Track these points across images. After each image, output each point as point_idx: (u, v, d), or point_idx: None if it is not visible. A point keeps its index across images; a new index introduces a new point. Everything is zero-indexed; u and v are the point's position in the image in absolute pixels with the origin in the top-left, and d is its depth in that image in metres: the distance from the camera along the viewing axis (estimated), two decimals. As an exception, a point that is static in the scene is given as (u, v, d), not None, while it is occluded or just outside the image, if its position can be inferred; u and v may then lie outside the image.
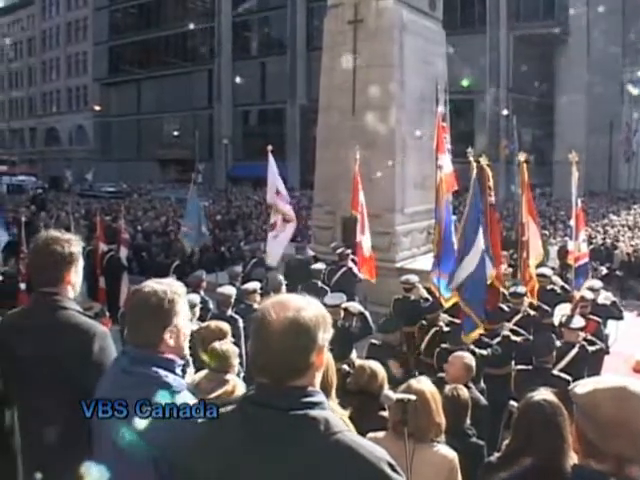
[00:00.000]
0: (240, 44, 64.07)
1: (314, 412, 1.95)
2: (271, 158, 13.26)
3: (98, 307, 11.45)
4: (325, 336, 2.03)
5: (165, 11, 69.89)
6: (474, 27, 47.57)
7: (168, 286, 2.59)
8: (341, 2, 15.51)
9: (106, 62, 75.54)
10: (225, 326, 5.68)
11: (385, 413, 4.59)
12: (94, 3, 76.59)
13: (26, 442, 3.20)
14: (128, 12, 73.95)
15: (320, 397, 2.02)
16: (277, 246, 12.84)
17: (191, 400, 2.53)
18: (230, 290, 9.18)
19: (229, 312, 8.69)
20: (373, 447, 1.96)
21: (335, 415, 2.02)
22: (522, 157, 10.53)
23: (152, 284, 2.57)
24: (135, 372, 2.51)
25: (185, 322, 2.64)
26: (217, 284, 11.42)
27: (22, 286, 10.79)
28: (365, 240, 11.75)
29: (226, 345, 5.05)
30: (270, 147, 13.52)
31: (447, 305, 9.43)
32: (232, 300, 9.00)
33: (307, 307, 2.02)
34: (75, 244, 3.23)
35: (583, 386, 2.16)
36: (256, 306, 9.23)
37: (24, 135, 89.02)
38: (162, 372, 2.50)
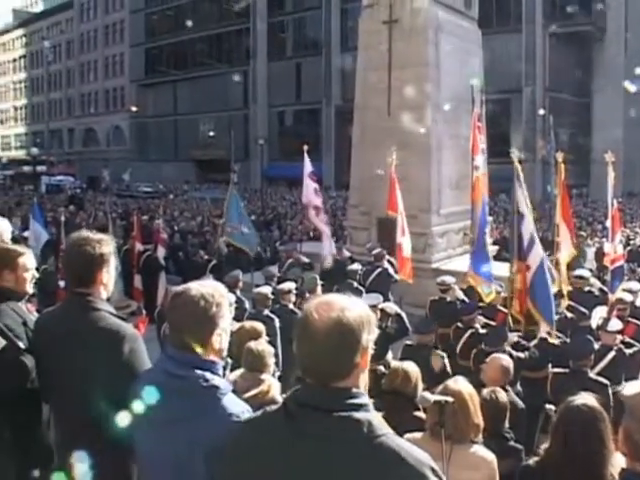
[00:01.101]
0: (275, 45, 64.32)
1: (358, 414, 1.94)
2: (307, 158, 13.30)
3: (135, 305, 11.54)
4: (369, 337, 2.00)
5: (201, 13, 70.35)
6: (509, 25, 47.12)
7: (214, 289, 2.58)
8: (376, 2, 15.51)
9: (142, 63, 76.40)
10: (260, 326, 5.72)
11: (419, 414, 4.58)
12: (130, 6, 77.58)
13: (58, 439, 3.26)
14: (164, 14, 74.65)
15: (364, 399, 1.99)
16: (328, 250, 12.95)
17: (237, 402, 2.55)
18: (266, 290, 9.24)
19: (265, 312, 8.72)
20: (416, 451, 1.95)
21: (380, 418, 2.00)
22: (560, 157, 10.39)
23: (198, 287, 2.56)
24: (181, 375, 2.50)
25: (228, 324, 2.64)
26: (253, 284, 11.48)
27: (61, 284, 10.92)
28: (405, 241, 11.74)
29: (261, 345, 5.08)
30: (306, 147, 13.56)
31: (488, 300, 9.46)
32: (269, 300, 9.04)
33: (351, 307, 2.00)
34: (106, 244, 3.23)
35: (631, 387, 2.14)
36: (291, 306, 9.30)
37: (62, 136, 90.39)
38: (208, 375, 2.50)
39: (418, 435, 3.83)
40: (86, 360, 2.98)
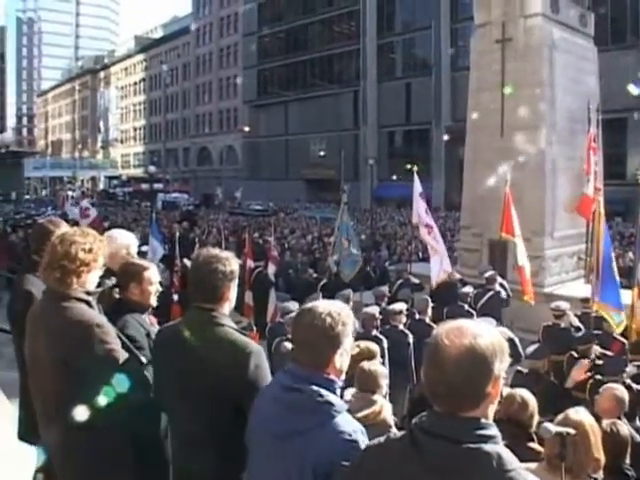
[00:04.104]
0: (385, 65, 64.58)
1: (487, 446, 1.87)
2: (416, 178, 13.24)
3: (246, 322, 11.76)
4: (502, 366, 1.94)
5: (311, 35, 71.63)
6: (626, 42, 45.54)
7: (341, 308, 2.58)
8: (489, 21, 15.33)
9: (255, 85, 78.32)
10: (374, 346, 5.70)
11: (534, 445, 4.43)
12: (244, 30, 79.94)
13: (175, 451, 3.31)
14: (276, 37, 76.42)
15: (494, 430, 1.93)
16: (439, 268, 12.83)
17: (350, 421, 2.53)
18: (374, 310, 9.22)
19: (374, 332, 8.70)
20: None
21: (509, 451, 1.93)
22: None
23: (326, 305, 2.58)
24: (297, 390, 2.51)
25: (350, 345, 2.63)
26: (362, 303, 11.49)
27: (175, 297, 11.25)
28: (527, 262, 11.55)
29: (374, 365, 5.06)
30: (415, 167, 13.52)
31: (618, 330, 9.11)
32: (376, 320, 9.03)
33: (484, 334, 1.95)
34: (234, 262, 3.29)
35: None
36: (401, 327, 9.26)
37: (178, 154, 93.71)
38: (324, 392, 2.48)
39: (533, 466, 3.70)
40: (210, 374, 3.01)
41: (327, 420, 2.45)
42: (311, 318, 2.52)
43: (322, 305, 2.57)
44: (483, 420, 1.93)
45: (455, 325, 1.98)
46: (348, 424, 2.48)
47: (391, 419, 4.69)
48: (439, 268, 12.69)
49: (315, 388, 2.48)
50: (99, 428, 3.17)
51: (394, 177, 56.22)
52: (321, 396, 2.47)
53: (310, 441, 2.42)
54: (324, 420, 2.45)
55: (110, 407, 3.15)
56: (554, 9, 15.11)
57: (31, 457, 4.06)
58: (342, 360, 2.58)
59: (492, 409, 1.99)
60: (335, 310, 2.54)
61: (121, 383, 3.19)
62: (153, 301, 3.81)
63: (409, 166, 13.63)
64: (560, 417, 3.84)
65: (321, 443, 2.41)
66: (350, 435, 2.42)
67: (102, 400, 3.13)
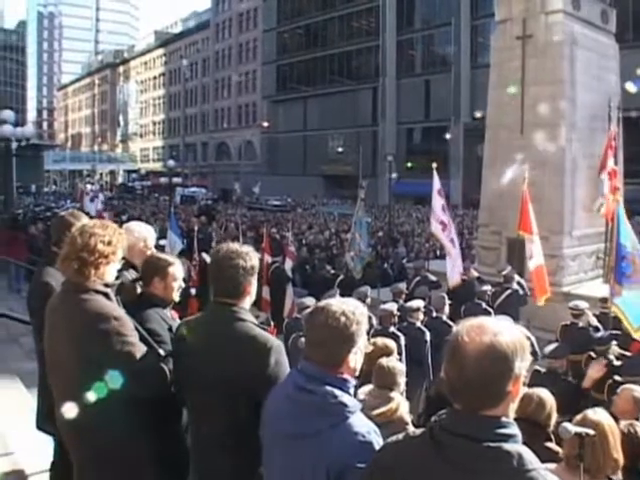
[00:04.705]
0: (404, 62, 64.44)
1: (508, 445, 1.85)
2: (436, 175, 13.20)
3: (263, 317, 11.78)
4: (522, 364, 1.90)
5: (330, 31, 71.55)
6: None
7: (355, 307, 2.55)
8: (509, 18, 15.24)
9: (274, 80, 78.42)
10: (391, 343, 5.68)
11: (551, 445, 4.40)
12: (263, 25, 79.99)
13: (194, 444, 3.32)
14: (295, 33, 76.49)
15: (514, 429, 1.91)
16: (452, 269, 12.77)
17: (364, 421, 2.51)
18: (392, 307, 9.22)
19: (391, 329, 8.70)
20: None
21: (529, 450, 1.90)
22: None
23: (340, 303, 2.55)
24: (310, 390, 2.49)
25: (364, 343, 2.61)
26: (379, 300, 11.48)
27: (192, 291, 11.29)
28: (543, 261, 11.50)
29: (393, 362, 5.04)
30: (435, 164, 13.47)
31: (636, 336, 8.97)
32: (394, 317, 9.03)
33: (505, 332, 1.90)
34: (254, 257, 3.32)
35: None
36: (418, 324, 9.25)
37: (197, 149, 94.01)
38: (337, 392, 2.46)
39: (552, 466, 3.68)
40: (230, 369, 3.03)
41: (341, 421, 2.43)
42: (325, 317, 2.49)
43: (336, 304, 2.54)
44: (504, 419, 1.91)
45: (476, 322, 1.95)
46: (362, 425, 2.47)
47: (408, 416, 4.68)
48: (454, 269, 12.65)
49: (329, 389, 2.46)
50: (114, 418, 3.18)
51: (412, 174, 56.04)
52: (335, 397, 2.45)
53: (324, 442, 2.41)
54: (338, 421, 2.43)
55: (126, 398, 3.17)
56: (575, 5, 14.99)
57: (50, 446, 4.11)
58: (356, 359, 2.56)
59: (513, 408, 1.96)
60: (350, 309, 2.51)
61: (135, 376, 3.20)
62: (176, 296, 3.82)
63: (433, 164, 13.49)
64: (579, 417, 3.81)
65: (335, 444, 2.40)
66: (364, 436, 2.40)
67: (115, 392, 3.14)
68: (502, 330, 1.91)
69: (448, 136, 55.02)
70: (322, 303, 2.62)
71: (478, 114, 46.36)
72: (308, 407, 2.48)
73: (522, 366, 1.90)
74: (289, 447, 2.51)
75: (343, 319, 2.47)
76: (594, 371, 7.30)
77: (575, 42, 14.64)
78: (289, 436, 2.51)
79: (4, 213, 22.20)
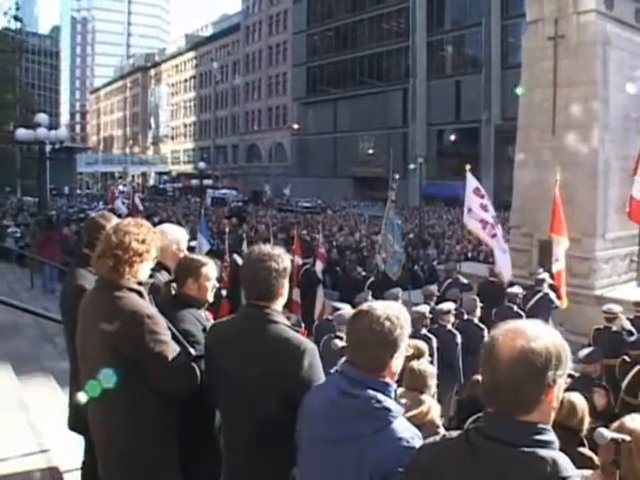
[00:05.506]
0: (435, 63, 64.21)
1: (543, 451, 1.83)
2: (469, 177, 13.13)
3: (294, 318, 11.79)
4: (558, 372, 1.87)
5: (360, 32, 71.52)
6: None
7: (399, 311, 2.55)
8: (541, 18, 15.06)
9: (304, 82, 78.61)
10: (423, 345, 5.67)
11: (584, 450, 4.36)
12: (293, 27, 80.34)
13: (226, 447, 3.33)
14: (325, 35, 76.60)
15: (551, 436, 1.90)
16: (504, 262, 12.70)
17: (407, 426, 2.50)
18: (424, 309, 9.18)
19: (423, 331, 8.67)
20: None
21: (566, 457, 1.89)
22: None
23: (384, 307, 2.55)
24: (353, 394, 2.47)
25: (406, 347, 2.60)
26: (410, 302, 11.46)
27: (223, 293, 11.33)
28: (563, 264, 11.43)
29: (423, 365, 5.03)
30: (468, 166, 13.42)
31: None
32: (426, 319, 9.00)
33: (542, 338, 1.87)
34: (286, 259, 3.32)
35: None
36: (449, 327, 9.22)
37: (227, 151, 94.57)
38: (381, 396, 2.45)
39: (587, 473, 3.64)
40: (263, 371, 3.03)
41: (385, 426, 2.42)
42: (369, 322, 2.48)
43: (380, 308, 2.53)
44: (540, 425, 1.89)
45: (512, 326, 1.93)
46: (406, 430, 2.45)
47: (439, 419, 4.67)
48: (505, 265, 12.58)
49: (372, 393, 2.45)
50: (145, 415, 3.21)
51: (443, 176, 55.81)
52: (379, 401, 2.44)
53: (367, 447, 2.40)
54: (382, 426, 2.42)
55: (157, 399, 3.22)
56: (608, 5, 14.79)
57: (82, 447, 4.16)
58: (398, 363, 2.56)
59: (551, 414, 1.95)
60: (394, 314, 2.51)
61: (167, 375, 3.23)
62: (210, 297, 3.83)
63: (466, 165, 13.42)
64: (615, 424, 3.75)
65: (378, 449, 2.38)
66: (408, 441, 2.39)
67: (147, 392, 3.18)
68: (539, 336, 1.87)
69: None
70: (365, 307, 2.60)
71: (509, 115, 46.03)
72: (351, 411, 2.47)
73: (557, 374, 1.87)
74: (329, 451, 2.50)
75: (387, 324, 2.47)
76: (598, 400, 7.10)
77: (608, 42, 14.44)
78: (330, 440, 2.50)
79: (38, 215, 22.49)
